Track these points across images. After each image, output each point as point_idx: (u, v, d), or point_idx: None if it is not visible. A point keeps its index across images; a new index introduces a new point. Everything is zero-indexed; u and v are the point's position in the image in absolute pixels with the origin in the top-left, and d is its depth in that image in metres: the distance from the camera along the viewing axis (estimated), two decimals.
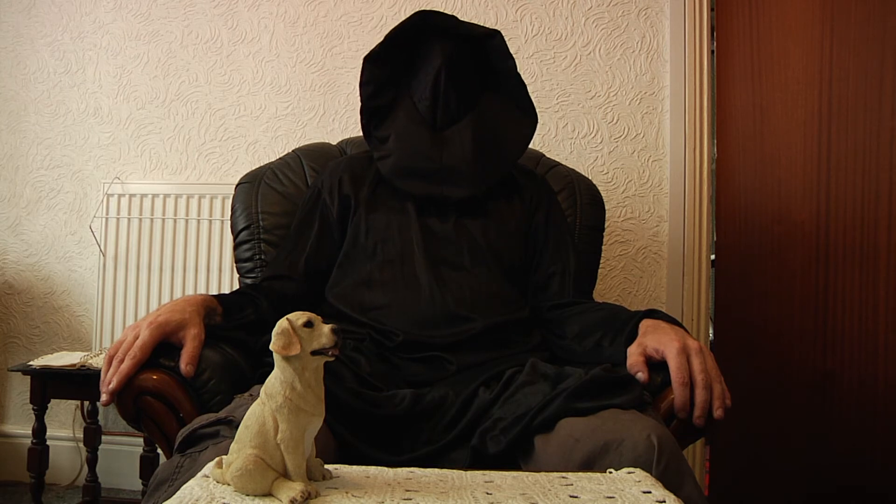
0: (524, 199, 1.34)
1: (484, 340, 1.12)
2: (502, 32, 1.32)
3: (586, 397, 0.90)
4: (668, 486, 0.69)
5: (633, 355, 1.02)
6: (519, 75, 1.33)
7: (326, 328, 0.63)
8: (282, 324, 0.62)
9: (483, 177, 1.28)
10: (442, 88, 1.26)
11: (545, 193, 1.38)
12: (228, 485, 0.62)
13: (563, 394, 0.90)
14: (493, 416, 0.95)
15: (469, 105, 1.30)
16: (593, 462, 0.80)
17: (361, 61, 1.31)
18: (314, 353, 0.62)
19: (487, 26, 1.33)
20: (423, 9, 1.30)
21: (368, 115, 1.34)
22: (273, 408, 0.61)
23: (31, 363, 1.71)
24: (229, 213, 1.61)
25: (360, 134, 1.39)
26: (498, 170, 1.31)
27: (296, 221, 1.36)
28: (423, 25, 1.29)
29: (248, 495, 0.60)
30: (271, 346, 0.61)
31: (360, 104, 1.34)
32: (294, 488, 0.59)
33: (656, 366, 1.03)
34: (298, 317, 0.62)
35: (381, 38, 1.31)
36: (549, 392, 0.93)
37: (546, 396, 0.92)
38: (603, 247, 1.65)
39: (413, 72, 1.31)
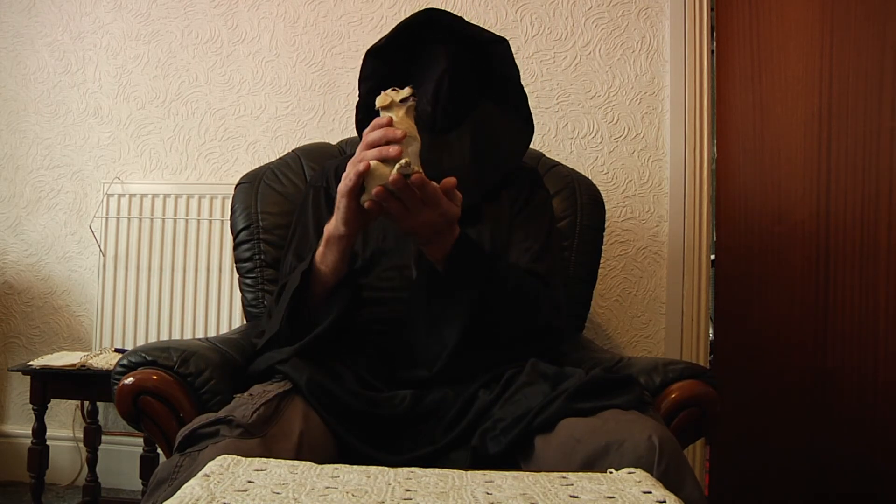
0: (511, 197, 1.29)
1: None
2: (503, 33, 1.28)
3: (587, 398, 0.90)
4: (669, 486, 0.69)
5: None
6: (522, 86, 1.29)
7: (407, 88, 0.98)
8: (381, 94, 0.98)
9: (481, 183, 1.24)
10: (445, 93, 1.21)
11: (529, 186, 1.32)
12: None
13: (564, 394, 0.90)
14: (493, 417, 0.95)
15: (469, 109, 1.26)
16: (594, 463, 0.80)
17: (362, 60, 1.29)
18: (402, 101, 0.97)
19: (493, 31, 1.29)
20: (430, 6, 1.27)
21: (366, 110, 1.28)
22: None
23: (31, 363, 1.71)
24: (229, 213, 1.61)
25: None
26: (494, 175, 1.26)
27: (309, 218, 1.27)
28: (428, 24, 1.25)
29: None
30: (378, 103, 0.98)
31: (357, 101, 1.29)
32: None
33: (657, 366, 1.02)
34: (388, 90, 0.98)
35: (391, 29, 1.26)
36: (550, 392, 0.93)
37: (546, 397, 0.92)
38: (603, 247, 1.64)
39: (415, 71, 1.27)
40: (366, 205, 0.97)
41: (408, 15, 1.26)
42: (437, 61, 1.22)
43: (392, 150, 0.92)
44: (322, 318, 1.05)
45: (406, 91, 0.97)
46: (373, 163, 0.94)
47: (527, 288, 1.12)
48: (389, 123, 0.95)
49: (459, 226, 1.10)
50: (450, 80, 1.21)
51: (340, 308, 1.05)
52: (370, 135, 0.96)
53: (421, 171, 0.93)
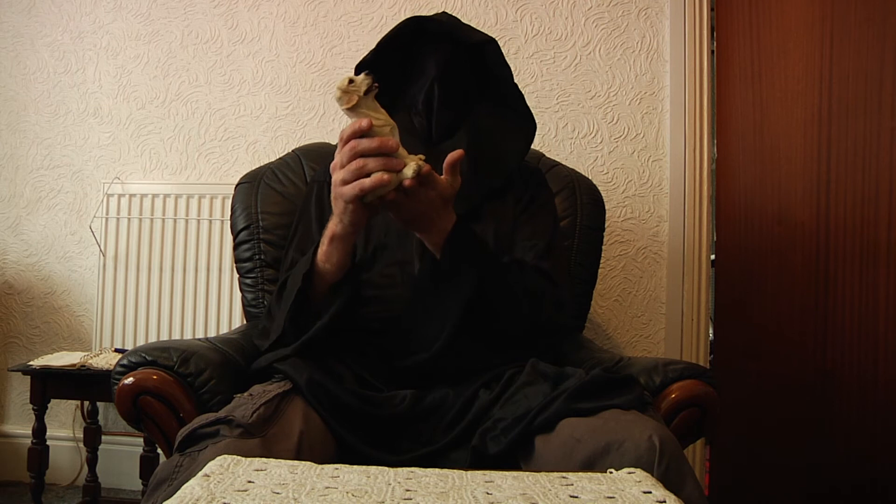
0: (516, 196, 1.28)
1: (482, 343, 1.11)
2: (503, 33, 1.28)
3: (587, 398, 0.90)
4: (670, 486, 0.69)
5: None
6: (515, 84, 1.28)
7: (361, 76, 0.92)
8: (337, 91, 0.92)
9: (478, 190, 1.22)
10: (436, 102, 1.21)
11: (533, 185, 1.32)
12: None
13: (564, 394, 0.90)
14: (493, 417, 0.95)
15: (465, 115, 1.25)
16: (594, 462, 0.80)
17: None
18: (366, 93, 0.92)
19: (484, 31, 1.28)
20: (417, 14, 1.26)
21: None
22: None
23: (31, 363, 1.71)
24: (229, 213, 1.61)
25: None
26: (494, 180, 1.25)
27: (312, 214, 1.27)
28: (418, 31, 1.24)
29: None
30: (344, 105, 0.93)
31: None
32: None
33: (657, 366, 1.02)
34: (341, 83, 0.92)
35: (378, 42, 1.25)
36: (550, 392, 0.93)
37: (547, 397, 0.92)
38: (603, 247, 1.64)
39: (408, 78, 1.26)
40: (368, 199, 0.97)
41: (408, 15, 1.26)
42: (426, 70, 1.22)
43: (397, 163, 0.93)
44: (323, 314, 1.05)
45: (361, 78, 0.93)
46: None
47: (531, 283, 1.12)
48: (370, 127, 0.93)
49: (462, 225, 1.11)
50: (440, 87, 1.21)
51: (342, 303, 1.05)
52: (361, 143, 0.93)
53: (423, 158, 0.95)
